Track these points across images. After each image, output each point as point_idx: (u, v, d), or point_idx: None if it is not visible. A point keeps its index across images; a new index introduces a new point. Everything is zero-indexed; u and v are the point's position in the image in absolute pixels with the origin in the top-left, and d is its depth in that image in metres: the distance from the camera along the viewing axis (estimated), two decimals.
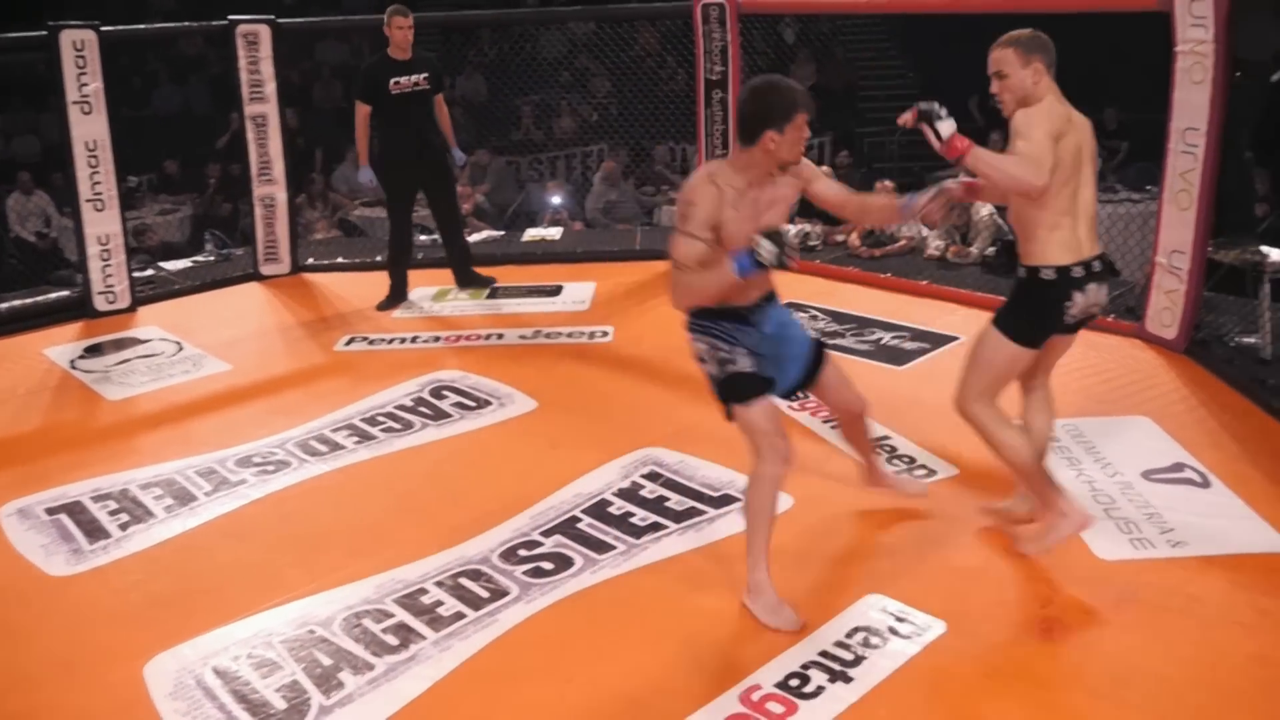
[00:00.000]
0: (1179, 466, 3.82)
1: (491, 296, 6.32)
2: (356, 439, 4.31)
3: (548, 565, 3.32)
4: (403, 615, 3.07)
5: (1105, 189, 8.72)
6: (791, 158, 2.87)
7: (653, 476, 3.88)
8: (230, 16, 6.61)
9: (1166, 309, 4.95)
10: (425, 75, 5.88)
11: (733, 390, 3.00)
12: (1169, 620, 2.99)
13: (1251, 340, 4.72)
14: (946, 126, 2.95)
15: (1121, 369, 4.76)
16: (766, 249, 2.73)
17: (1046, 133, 2.90)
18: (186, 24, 8.45)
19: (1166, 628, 2.95)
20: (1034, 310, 3.09)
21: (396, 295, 6.18)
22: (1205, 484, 3.72)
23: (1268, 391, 4.29)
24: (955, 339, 5.18)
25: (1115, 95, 9.92)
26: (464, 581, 3.24)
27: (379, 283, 6.35)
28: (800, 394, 3.27)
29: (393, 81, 5.78)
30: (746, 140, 2.85)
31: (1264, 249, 4.79)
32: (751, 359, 3.00)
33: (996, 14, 6.23)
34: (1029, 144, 2.88)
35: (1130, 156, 9.70)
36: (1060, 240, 2.99)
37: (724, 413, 3.06)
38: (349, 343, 5.58)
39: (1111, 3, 4.99)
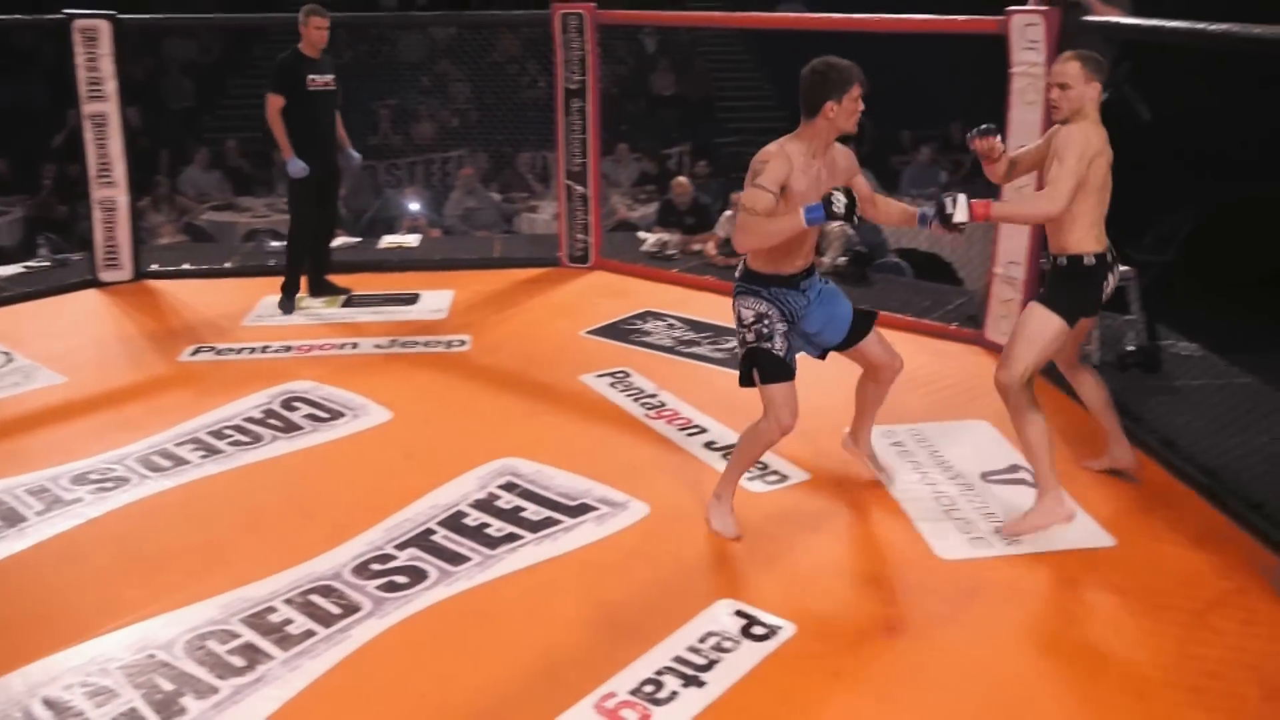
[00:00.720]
0: (1014, 468, 4.02)
1: (347, 305, 6.21)
2: (202, 453, 4.18)
3: (401, 579, 3.28)
4: (249, 635, 3.00)
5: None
6: (849, 126, 3.29)
7: (509, 487, 3.87)
8: (66, 10, 6.32)
9: (1004, 317, 5.20)
10: (333, 76, 5.94)
11: (763, 366, 3.39)
12: (1004, 615, 3.14)
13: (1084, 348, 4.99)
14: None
15: (963, 375, 4.98)
16: (839, 201, 3.10)
17: (1079, 155, 3.33)
18: (17, 17, 8.02)
19: (1002, 622, 3.11)
20: (1079, 291, 3.52)
21: (294, 291, 6.13)
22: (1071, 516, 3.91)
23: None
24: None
25: (962, 110, 10.37)
26: (314, 598, 3.17)
27: (228, 290, 6.16)
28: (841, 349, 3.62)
29: (309, 78, 5.81)
30: (810, 113, 3.26)
31: None
32: (785, 340, 3.38)
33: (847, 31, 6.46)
34: (1061, 169, 3.33)
35: (975, 170, 10.13)
36: (1095, 234, 3.47)
37: (742, 377, 3.46)
38: (195, 353, 5.40)
39: (952, 25, 5.21)
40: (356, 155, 6.26)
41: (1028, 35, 4.78)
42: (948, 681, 2.84)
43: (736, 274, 3.49)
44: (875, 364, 3.66)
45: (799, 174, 3.25)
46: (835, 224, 6.94)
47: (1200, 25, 3.65)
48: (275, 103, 5.79)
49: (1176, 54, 3.67)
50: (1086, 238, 3.46)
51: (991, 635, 3.04)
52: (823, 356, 3.65)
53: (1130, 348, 4.87)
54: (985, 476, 3.95)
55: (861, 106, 3.29)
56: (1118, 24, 4.48)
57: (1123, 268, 5.01)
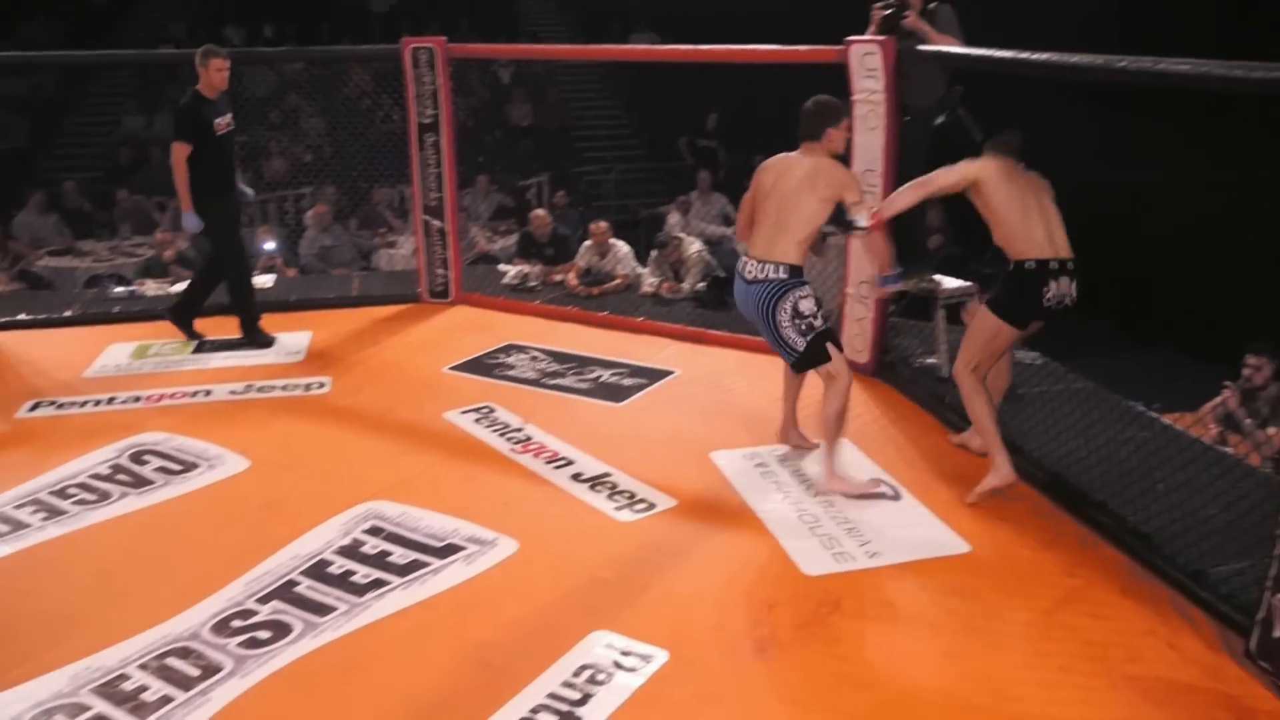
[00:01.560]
0: (875, 482, 4.14)
1: (199, 350, 6.01)
2: (44, 515, 3.98)
3: (264, 634, 3.18)
4: (101, 706, 2.86)
5: None
6: (840, 149, 4.07)
7: (374, 531, 3.80)
8: None
9: (858, 335, 5.36)
10: (231, 114, 5.85)
11: (835, 340, 4.06)
12: (869, 627, 3.24)
13: (931, 361, 5.20)
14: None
15: (821, 394, 5.09)
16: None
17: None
18: None
19: (868, 634, 3.20)
20: (1018, 294, 3.86)
21: (254, 322, 6.12)
22: (897, 496, 4.06)
23: (946, 408, 4.72)
24: (670, 374, 5.40)
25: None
26: (171, 661, 3.05)
27: (70, 340, 5.89)
28: None
29: (215, 122, 5.72)
30: (812, 138, 4.04)
31: (937, 277, 5.29)
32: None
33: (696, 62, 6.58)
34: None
35: None
36: (1037, 243, 3.82)
37: (811, 359, 4.01)
38: (34, 408, 5.13)
39: (795, 56, 5.37)
40: (249, 190, 6.26)
41: (866, 64, 4.96)
42: (818, 698, 2.90)
43: (776, 273, 3.95)
44: None
45: None
46: (694, 250, 7.07)
47: (1024, 54, 3.86)
48: (182, 151, 5.66)
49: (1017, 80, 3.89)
50: (1029, 246, 3.82)
51: (859, 648, 3.13)
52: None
53: None
54: (846, 493, 4.05)
55: (849, 136, 4.19)
56: (950, 52, 4.69)
57: (965, 282, 5.26)
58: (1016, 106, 4.04)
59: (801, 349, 3.98)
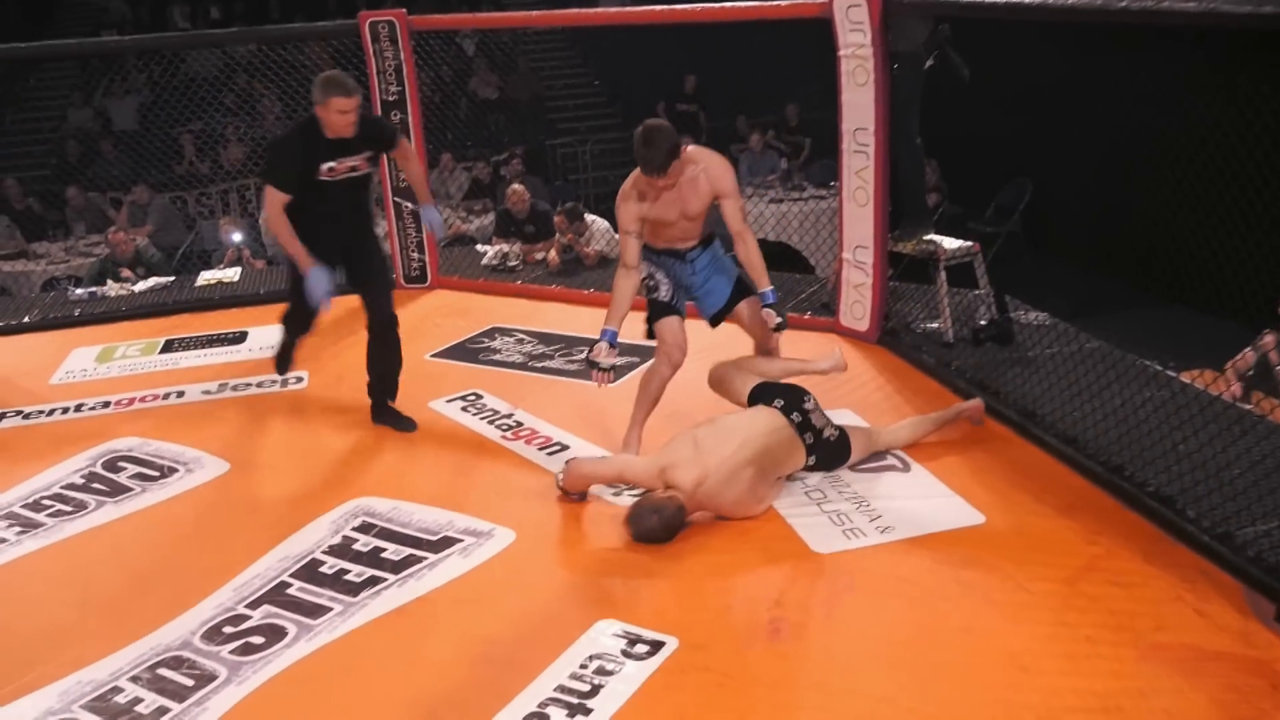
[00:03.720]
0: (881, 454, 4.19)
1: (166, 350, 6.01)
2: (19, 529, 3.99)
3: (258, 639, 3.22)
4: None
5: (793, 187, 9.40)
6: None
7: (365, 528, 3.84)
8: None
9: (857, 302, 5.41)
10: (366, 155, 4.53)
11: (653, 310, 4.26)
12: (884, 604, 3.28)
13: (934, 325, 5.25)
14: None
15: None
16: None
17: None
18: None
19: (882, 612, 3.24)
20: None
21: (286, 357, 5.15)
22: (906, 468, 4.11)
23: (953, 373, 4.78)
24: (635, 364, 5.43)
25: (797, 92, 10.70)
26: (164, 672, 3.08)
27: (31, 346, 5.89)
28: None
29: (326, 166, 4.38)
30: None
31: (936, 238, 5.33)
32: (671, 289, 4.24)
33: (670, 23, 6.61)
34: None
35: (814, 153, 10.49)
36: None
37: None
38: None
39: (776, 11, 5.39)
40: (435, 216, 4.95)
41: (852, 16, 4.98)
42: (836, 680, 2.95)
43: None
44: (750, 331, 4.34)
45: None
46: None
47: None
48: (276, 200, 4.35)
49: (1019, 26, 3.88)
50: None
51: (875, 627, 3.17)
52: (715, 322, 4.36)
53: (983, 322, 5.14)
54: (853, 466, 4.10)
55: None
56: (939, 1, 4.71)
57: (965, 242, 5.30)
58: (1022, 46, 4.03)
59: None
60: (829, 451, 3.99)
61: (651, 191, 4.00)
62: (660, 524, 3.58)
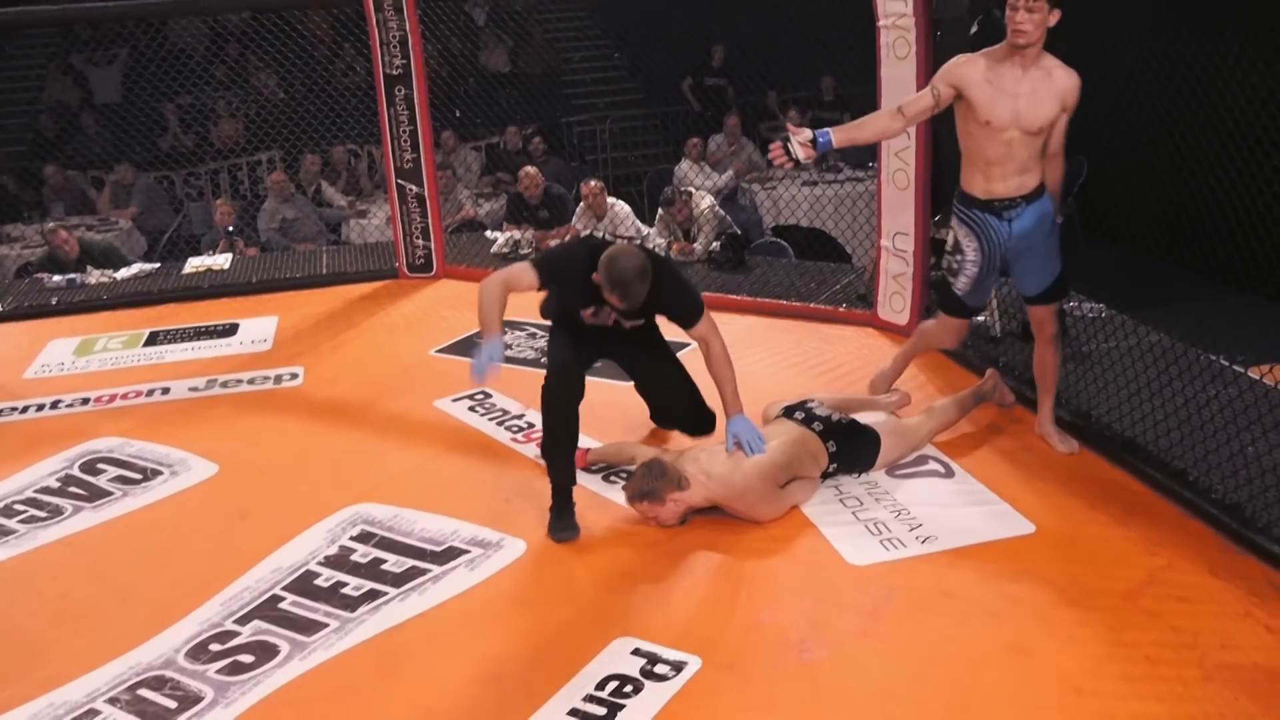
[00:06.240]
0: (922, 459, 4.16)
1: (151, 343, 6.03)
2: None
3: (247, 658, 3.22)
4: None
5: (828, 168, 9.35)
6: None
7: (364, 537, 3.83)
8: None
9: (896, 294, 5.37)
10: (640, 323, 4.14)
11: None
12: (926, 620, 3.26)
13: (980, 319, 5.20)
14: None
15: (857, 361, 5.12)
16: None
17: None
18: None
19: (924, 629, 3.22)
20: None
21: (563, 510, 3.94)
22: (949, 473, 4.08)
23: (1001, 371, 4.73)
24: (686, 345, 5.40)
25: (832, 64, 10.63)
26: (144, 693, 3.09)
27: (3, 338, 5.90)
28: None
29: (589, 311, 4.04)
30: None
31: None
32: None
33: None
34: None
35: None
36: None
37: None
38: None
39: None
40: (745, 423, 3.94)
41: None
42: (871, 703, 2.93)
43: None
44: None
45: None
46: (705, 205, 7.09)
47: None
48: (515, 283, 4.01)
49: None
50: None
51: (915, 645, 3.15)
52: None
53: None
54: (891, 471, 4.08)
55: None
56: None
57: None
58: (1079, 7, 3.94)
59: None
60: (843, 436, 4.00)
61: (998, 70, 3.72)
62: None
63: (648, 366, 4.31)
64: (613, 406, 4.62)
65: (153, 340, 6.08)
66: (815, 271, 6.55)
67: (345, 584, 3.57)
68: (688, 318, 3.95)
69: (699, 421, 4.28)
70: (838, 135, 3.87)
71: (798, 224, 8.27)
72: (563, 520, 3.83)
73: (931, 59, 4.98)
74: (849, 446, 4.01)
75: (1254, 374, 4.39)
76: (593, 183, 7.30)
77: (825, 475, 3.98)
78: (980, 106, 3.75)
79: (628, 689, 2.98)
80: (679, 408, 4.26)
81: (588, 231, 7.14)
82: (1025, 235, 3.91)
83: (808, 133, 3.82)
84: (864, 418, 4.22)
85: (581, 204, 7.29)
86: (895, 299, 5.38)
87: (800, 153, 3.80)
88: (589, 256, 3.86)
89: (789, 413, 4.09)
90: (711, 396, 4.07)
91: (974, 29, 5.09)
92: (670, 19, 10.90)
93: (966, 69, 3.76)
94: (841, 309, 5.76)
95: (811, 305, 5.88)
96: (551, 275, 4.00)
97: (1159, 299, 5.68)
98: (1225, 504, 3.60)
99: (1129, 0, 3.34)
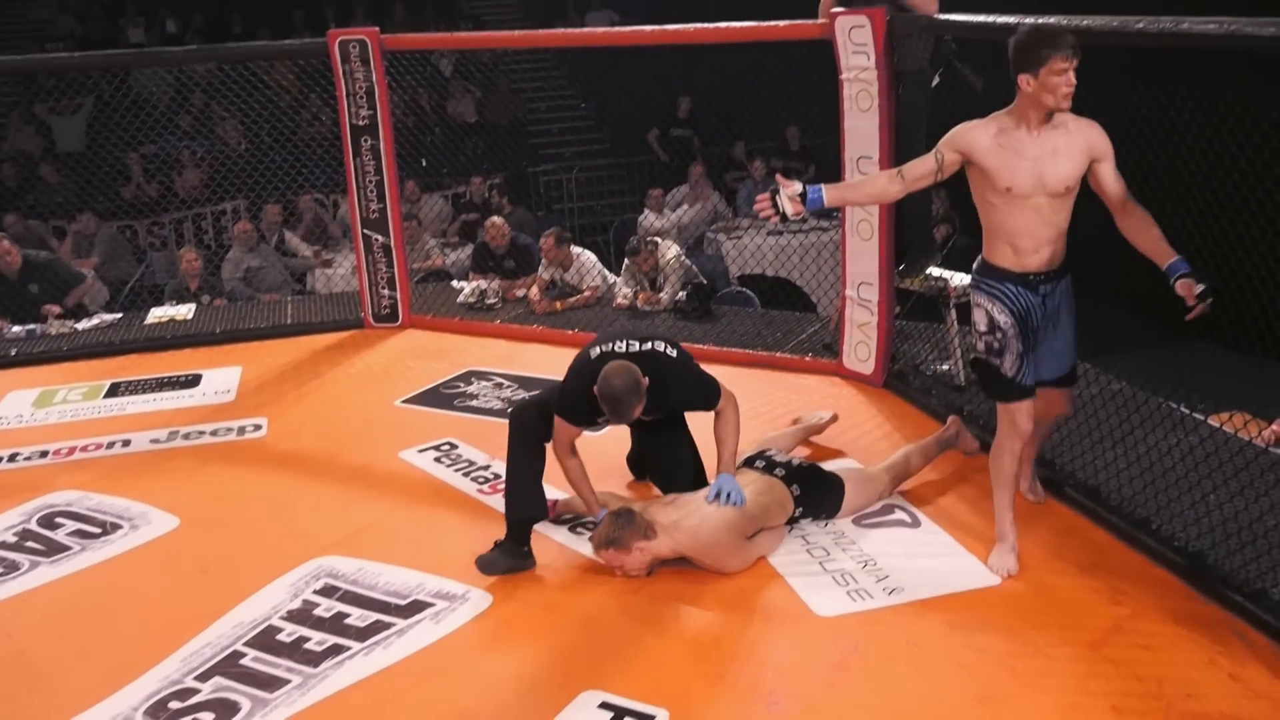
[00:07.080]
0: (888, 508, 4.18)
1: (111, 394, 5.99)
2: None
3: (207, 716, 3.18)
4: None
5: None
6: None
7: (328, 591, 3.81)
8: None
9: (861, 343, 5.42)
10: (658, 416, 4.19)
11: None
12: (893, 671, 3.27)
13: (945, 368, 5.26)
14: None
15: (823, 410, 5.13)
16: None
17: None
18: None
19: (891, 680, 3.23)
20: None
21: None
22: (915, 523, 4.10)
23: (965, 420, 4.77)
24: None
25: (798, 115, 10.75)
26: None
27: None
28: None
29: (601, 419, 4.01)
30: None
31: (946, 273, 5.35)
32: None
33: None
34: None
35: (816, 181, 10.50)
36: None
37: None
38: None
39: (775, 33, 5.43)
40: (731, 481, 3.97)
41: (854, 39, 5.03)
42: None
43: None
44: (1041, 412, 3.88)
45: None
46: (671, 255, 7.13)
47: (1028, 19, 3.91)
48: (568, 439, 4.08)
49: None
50: None
51: (883, 697, 3.15)
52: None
53: None
54: (858, 521, 4.10)
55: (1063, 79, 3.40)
56: (946, 21, 4.76)
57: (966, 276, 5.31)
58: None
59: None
60: (807, 479, 4.04)
61: (1011, 134, 3.49)
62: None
63: (656, 446, 4.36)
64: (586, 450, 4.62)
65: (114, 391, 6.04)
66: (781, 321, 6.59)
67: (308, 639, 3.54)
68: (705, 406, 4.05)
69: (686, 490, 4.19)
70: (830, 193, 3.73)
71: (763, 273, 8.33)
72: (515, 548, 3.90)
73: (893, 111, 5.07)
74: (813, 490, 4.04)
75: (1214, 422, 4.44)
76: (549, 237, 7.25)
77: (792, 521, 4.00)
78: (997, 173, 3.51)
79: None
80: (680, 487, 4.18)
81: (551, 281, 7.15)
82: (1057, 311, 3.72)
83: (798, 186, 3.66)
84: (829, 465, 4.25)
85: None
86: (860, 348, 5.43)
87: (789, 207, 3.64)
88: (586, 387, 3.88)
89: (749, 462, 4.12)
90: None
91: (935, 81, 5.19)
92: (636, 70, 11.03)
93: (974, 134, 3.55)
94: (807, 358, 5.80)
95: (777, 355, 5.91)
96: (574, 418, 4.01)
97: (1121, 347, 5.75)
98: (1188, 552, 3.63)
99: (1084, 57, 3.39)
